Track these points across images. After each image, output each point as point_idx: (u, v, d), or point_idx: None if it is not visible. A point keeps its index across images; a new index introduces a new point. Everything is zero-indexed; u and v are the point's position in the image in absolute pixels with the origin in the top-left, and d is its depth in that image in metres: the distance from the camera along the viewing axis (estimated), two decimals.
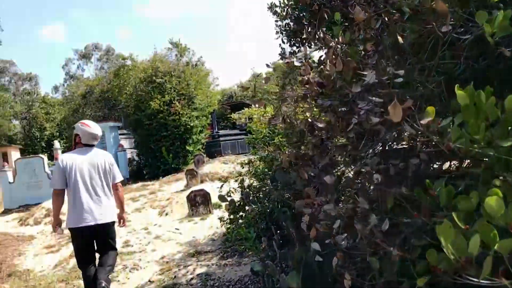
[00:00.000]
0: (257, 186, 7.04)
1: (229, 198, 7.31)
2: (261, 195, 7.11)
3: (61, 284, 6.16)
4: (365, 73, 1.96)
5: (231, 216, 7.05)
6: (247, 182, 7.22)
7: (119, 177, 4.98)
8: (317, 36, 2.66)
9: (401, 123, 1.67)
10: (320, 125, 2.03)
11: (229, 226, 7.15)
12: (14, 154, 25.55)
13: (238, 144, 21.28)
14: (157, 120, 18.49)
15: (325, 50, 2.53)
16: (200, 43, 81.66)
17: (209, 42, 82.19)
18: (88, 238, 4.63)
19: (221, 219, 7.08)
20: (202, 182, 14.04)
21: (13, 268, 7.42)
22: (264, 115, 7.03)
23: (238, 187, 7.15)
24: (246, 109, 7.63)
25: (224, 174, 14.27)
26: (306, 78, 2.07)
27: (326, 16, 2.72)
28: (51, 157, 22.37)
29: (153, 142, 18.63)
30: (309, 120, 2.14)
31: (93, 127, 4.86)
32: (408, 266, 1.69)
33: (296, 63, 2.23)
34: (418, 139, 1.87)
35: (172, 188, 14.16)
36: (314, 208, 2.01)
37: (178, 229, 8.39)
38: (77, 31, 76.40)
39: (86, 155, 4.74)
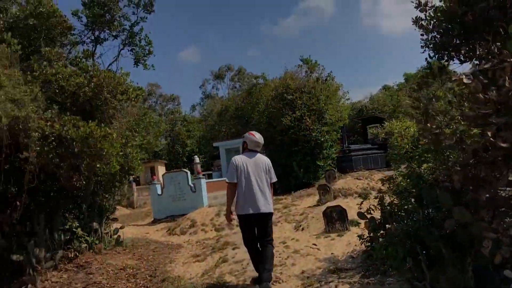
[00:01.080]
0: (399, 204, 6.80)
1: (368, 216, 7.16)
2: (403, 213, 6.84)
3: None
4: None
5: (371, 234, 6.89)
6: (387, 199, 7.01)
7: (274, 178, 6.06)
8: (479, 50, 2.53)
9: None
10: (503, 145, 1.91)
11: (368, 244, 6.99)
12: (161, 168, 28.16)
13: (371, 159, 20.77)
14: (288, 136, 18.93)
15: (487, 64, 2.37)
16: (328, 57, 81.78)
17: (338, 56, 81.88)
18: (253, 223, 5.78)
19: (360, 236, 6.94)
20: (335, 198, 13.94)
21: (166, 274, 8.11)
22: (406, 129, 6.79)
23: (378, 204, 6.97)
24: (386, 123, 7.42)
25: (358, 190, 14.02)
26: (482, 96, 1.96)
27: (502, 29, 2.56)
28: (192, 171, 24.18)
29: (285, 157, 19.06)
30: (490, 139, 2.02)
31: (258, 137, 6.06)
32: None
33: (466, 81, 2.12)
34: None
35: (305, 203, 14.29)
36: (497, 232, 1.89)
37: (315, 245, 8.44)
38: (211, 52, 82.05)
39: (252, 158, 5.90)
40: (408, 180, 6.47)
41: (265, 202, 5.75)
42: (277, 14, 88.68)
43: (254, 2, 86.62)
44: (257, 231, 5.85)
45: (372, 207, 6.99)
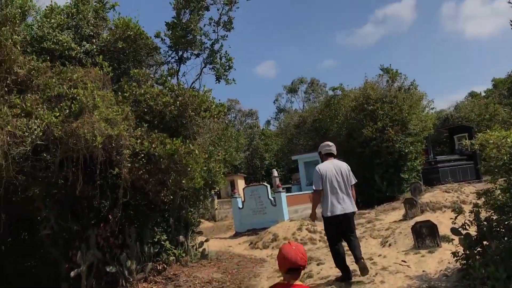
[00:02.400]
0: (498, 220, 6.30)
1: (463, 232, 6.70)
2: (503, 230, 6.33)
3: None
4: None
5: (467, 251, 6.44)
6: (483, 214, 6.53)
7: (354, 180, 6.68)
8: None
9: None
10: None
11: (464, 262, 6.55)
12: (240, 182, 28.61)
13: (459, 171, 19.59)
14: (369, 148, 18.41)
15: None
16: (408, 65, 79.04)
17: (419, 63, 78.93)
18: (337, 224, 6.42)
19: (454, 253, 6.52)
20: (422, 212, 13.25)
21: None
22: (503, 139, 6.29)
23: (473, 219, 6.52)
24: (480, 134, 6.94)
25: (447, 204, 13.22)
26: None
27: None
28: (270, 184, 24.30)
29: (366, 170, 18.53)
30: None
31: (331, 144, 6.84)
32: None
33: None
34: None
35: (390, 218, 13.74)
36: None
37: (405, 262, 8.04)
38: (285, 66, 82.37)
39: (332, 164, 6.52)
40: (508, 194, 5.98)
41: (349, 203, 6.40)
42: (352, 24, 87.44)
43: (329, 13, 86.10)
44: (342, 231, 6.55)
45: (467, 222, 6.55)
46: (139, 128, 8.84)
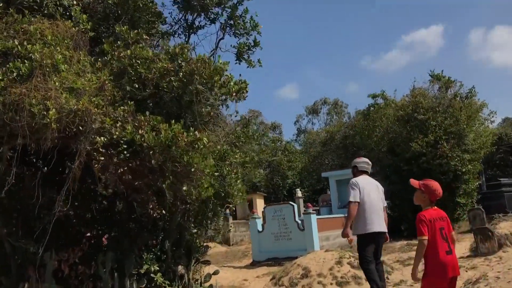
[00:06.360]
0: None
1: None
2: None
3: None
4: None
5: None
6: None
7: (385, 202, 6.31)
8: None
9: None
10: None
11: None
12: (259, 202, 25.68)
13: None
14: (418, 165, 15.66)
15: None
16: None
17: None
18: (374, 241, 5.94)
19: None
20: (500, 247, 10.16)
21: None
22: None
23: None
24: None
25: None
26: None
27: None
28: None
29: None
30: None
31: (369, 162, 6.41)
32: None
33: None
34: None
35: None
36: None
37: None
38: (308, 88, 79.84)
39: (367, 180, 6.15)
40: None
41: (382, 222, 6.01)
42: (378, 49, 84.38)
43: (355, 37, 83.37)
44: (374, 250, 6.02)
45: None
46: (121, 107, 6.03)
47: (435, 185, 4.12)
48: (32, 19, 6.13)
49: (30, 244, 6.69)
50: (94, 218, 7.36)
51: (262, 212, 15.24)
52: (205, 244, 9.14)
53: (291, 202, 15.01)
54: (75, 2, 7.15)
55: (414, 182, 4.25)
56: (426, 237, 3.90)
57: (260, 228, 14.54)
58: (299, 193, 23.27)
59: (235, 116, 8.82)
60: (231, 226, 22.40)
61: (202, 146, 5.90)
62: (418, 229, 3.97)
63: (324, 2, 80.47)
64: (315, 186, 30.52)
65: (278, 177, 29.80)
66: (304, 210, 14.39)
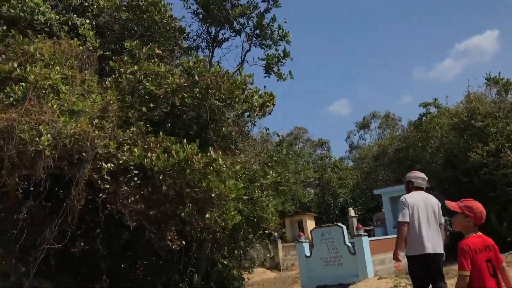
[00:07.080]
0: None
1: None
2: None
3: None
4: None
5: None
6: None
7: (443, 219, 5.76)
8: None
9: None
10: None
11: None
12: (309, 223, 24.48)
13: None
14: (479, 177, 14.19)
15: None
16: None
17: None
18: (425, 265, 5.48)
19: None
20: None
21: None
22: None
23: None
24: None
25: None
26: None
27: None
28: (346, 226, 20.07)
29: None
30: None
31: (425, 178, 5.91)
32: None
33: None
34: None
35: None
36: None
37: None
38: (359, 103, 77.74)
39: (421, 196, 5.71)
40: None
41: (439, 243, 5.57)
42: (431, 59, 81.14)
43: (406, 48, 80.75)
44: (431, 273, 5.53)
45: None
46: (131, 129, 5.43)
47: (480, 206, 3.52)
48: (35, 39, 5.74)
49: (45, 284, 6.19)
50: (115, 251, 6.77)
51: (309, 235, 14.20)
52: (242, 276, 8.35)
53: (340, 224, 13.89)
54: (87, 21, 6.76)
55: (452, 204, 3.60)
56: (468, 273, 3.33)
57: (307, 253, 13.50)
58: (351, 212, 22.00)
59: (267, 134, 8.10)
60: (280, 250, 21.43)
61: (218, 168, 5.17)
62: (460, 261, 3.38)
63: (372, 17, 78.89)
64: (369, 204, 28.97)
65: (329, 196, 28.53)
66: (354, 233, 13.26)
